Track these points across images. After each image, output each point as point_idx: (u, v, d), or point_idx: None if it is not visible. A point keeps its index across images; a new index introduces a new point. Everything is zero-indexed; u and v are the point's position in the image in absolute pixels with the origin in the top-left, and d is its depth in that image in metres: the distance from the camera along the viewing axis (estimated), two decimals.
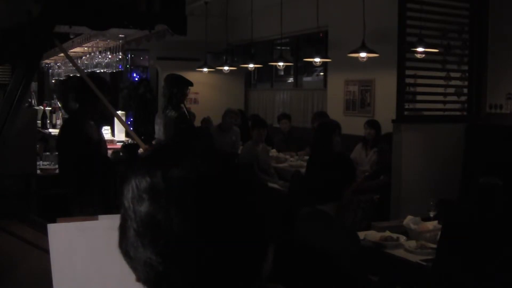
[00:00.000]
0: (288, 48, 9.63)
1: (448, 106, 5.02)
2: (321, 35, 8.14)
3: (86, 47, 5.86)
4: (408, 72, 4.64)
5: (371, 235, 3.30)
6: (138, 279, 0.80)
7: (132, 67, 10.98)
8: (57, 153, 4.21)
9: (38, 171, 4.44)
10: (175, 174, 0.76)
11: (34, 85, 9.82)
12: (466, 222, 2.53)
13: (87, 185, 3.54)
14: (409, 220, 3.39)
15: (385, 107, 6.50)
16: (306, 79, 9.32)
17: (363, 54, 5.88)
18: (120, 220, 0.81)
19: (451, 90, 5.00)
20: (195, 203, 0.75)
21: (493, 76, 5.03)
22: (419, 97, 4.94)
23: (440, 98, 4.98)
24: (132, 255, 0.78)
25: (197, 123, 7.33)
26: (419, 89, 4.97)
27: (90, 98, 3.45)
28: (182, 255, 0.75)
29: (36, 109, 7.24)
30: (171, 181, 0.76)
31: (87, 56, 6.14)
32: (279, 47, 9.14)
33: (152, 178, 0.77)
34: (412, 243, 3.13)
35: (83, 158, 3.54)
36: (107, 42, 5.23)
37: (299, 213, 2.57)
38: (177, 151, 0.82)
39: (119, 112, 5.59)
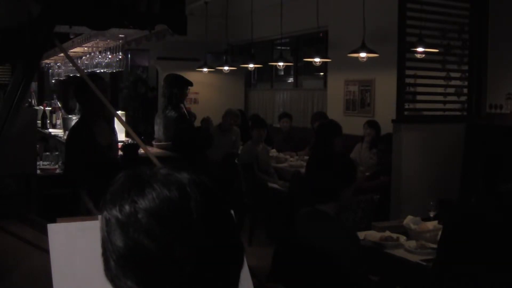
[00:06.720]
0: (288, 48, 9.62)
1: (448, 106, 5.02)
2: (321, 35, 8.14)
3: (86, 47, 5.85)
4: (408, 72, 4.64)
5: (371, 235, 3.30)
6: None
7: (132, 67, 10.96)
8: (65, 152, 4.18)
9: (38, 171, 4.44)
10: (142, 205, 0.79)
11: (34, 85, 9.82)
12: (467, 222, 2.53)
13: (93, 187, 3.53)
14: (409, 220, 3.39)
15: (385, 107, 6.50)
16: (306, 79, 9.32)
17: (363, 54, 5.88)
18: (102, 250, 0.84)
19: (451, 90, 5.00)
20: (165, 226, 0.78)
21: (493, 76, 5.03)
22: (419, 97, 4.94)
23: (440, 98, 4.98)
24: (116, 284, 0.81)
25: (197, 123, 7.31)
26: (419, 89, 4.97)
27: (89, 98, 3.45)
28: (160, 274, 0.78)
29: (36, 109, 7.23)
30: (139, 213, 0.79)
31: (87, 56, 6.13)
32: (279, 47, 9.13)
33: (121, 211, 0.79)
34: (412, 243, 3.13)
35: (89, 163, 3.53)
36: (107, 42, 5.22)
37: (299, 213, 2.57)
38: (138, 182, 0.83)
39: (119, 112, 5.59)
